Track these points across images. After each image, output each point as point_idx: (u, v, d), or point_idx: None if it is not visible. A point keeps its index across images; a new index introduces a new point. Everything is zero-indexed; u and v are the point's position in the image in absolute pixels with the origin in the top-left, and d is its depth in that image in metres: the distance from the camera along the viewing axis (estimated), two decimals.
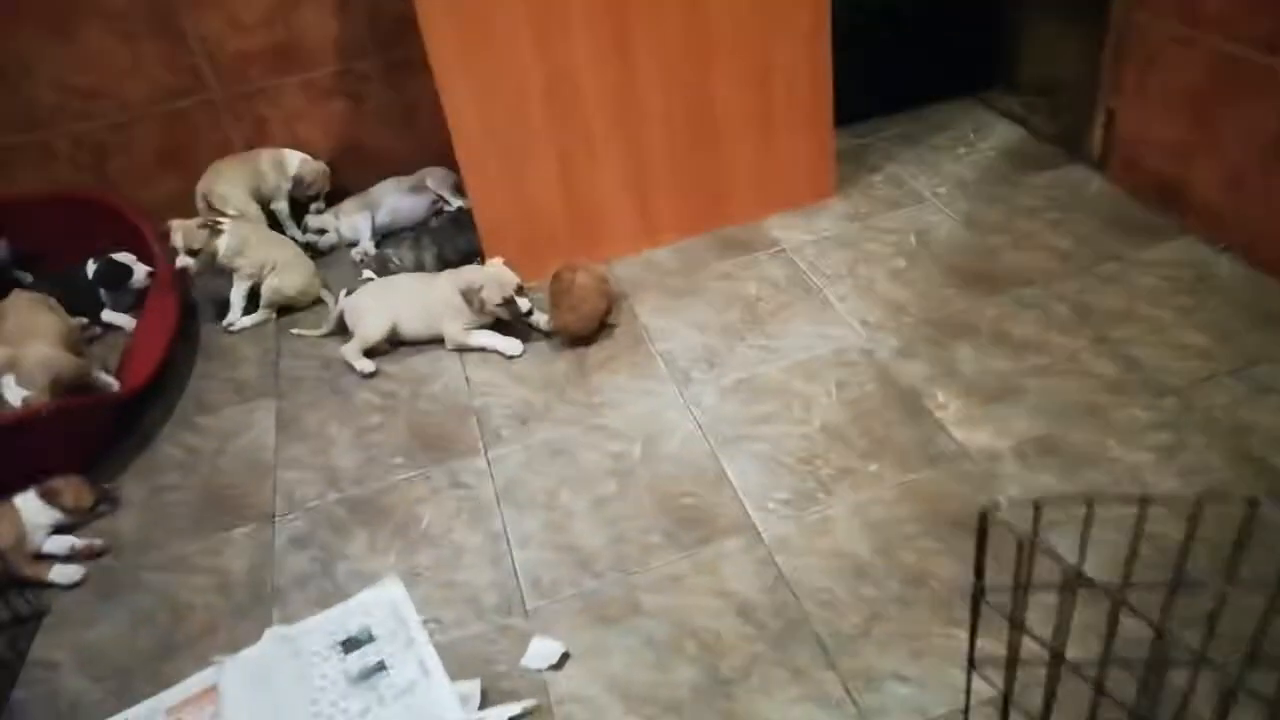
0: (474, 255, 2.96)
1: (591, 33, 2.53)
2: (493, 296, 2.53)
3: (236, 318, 2.86)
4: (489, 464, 2.24)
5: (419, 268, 2.90)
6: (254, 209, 3.07)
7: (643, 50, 2.58)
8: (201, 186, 3.04)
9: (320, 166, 3.19)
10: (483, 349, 2.60)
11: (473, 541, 2.04)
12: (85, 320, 2.88)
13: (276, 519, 2.19)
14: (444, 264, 2.92)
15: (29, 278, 3.04)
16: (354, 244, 3.17)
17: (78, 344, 2.68)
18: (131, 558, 2.15)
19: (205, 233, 2.73)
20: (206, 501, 2.27)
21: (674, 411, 2.29)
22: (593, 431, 2.27)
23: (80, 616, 2.03)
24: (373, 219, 3.18)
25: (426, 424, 2.39)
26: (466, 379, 2.53)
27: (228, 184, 3.04)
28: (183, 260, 2.72)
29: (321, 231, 3.15)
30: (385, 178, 3.27)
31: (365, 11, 3.06)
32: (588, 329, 2.53)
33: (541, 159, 2.69)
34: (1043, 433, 2.04)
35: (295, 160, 3.14)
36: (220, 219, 2.81)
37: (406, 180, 3.25)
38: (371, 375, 2.58)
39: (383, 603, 1.91)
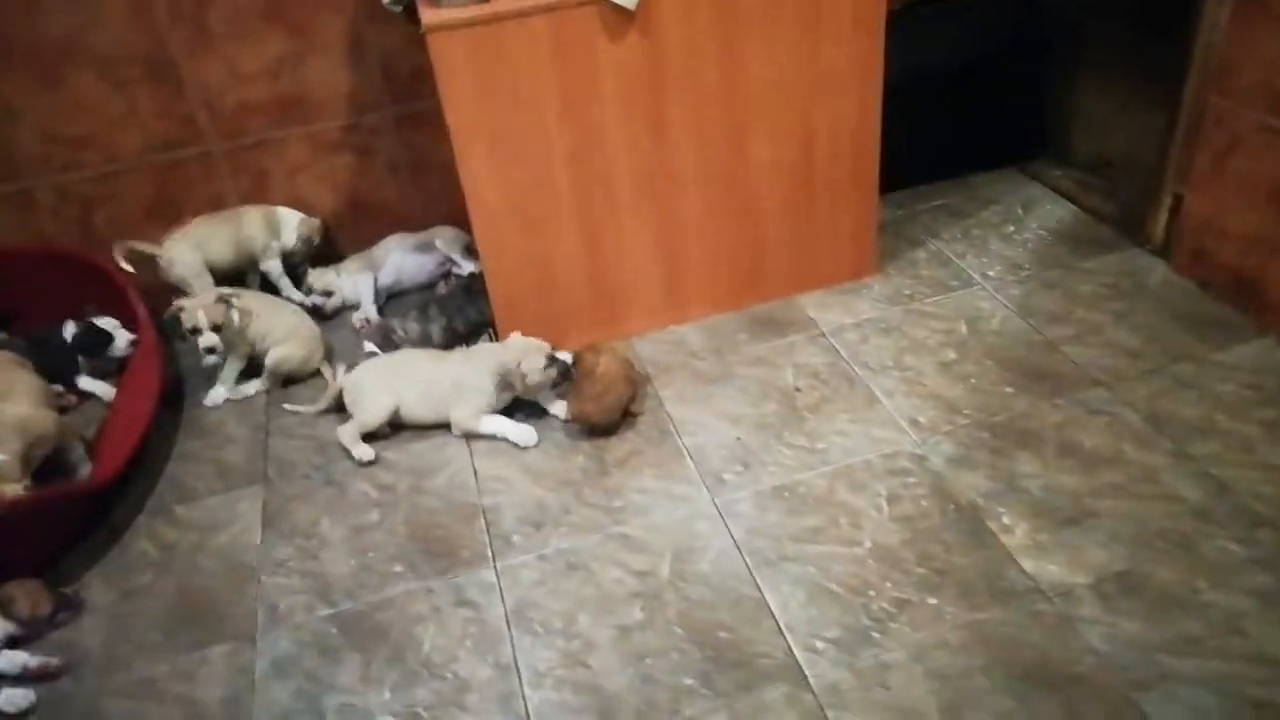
0: (485, 326, 2.74)
1: (623, 95, 2.33)
2: (535, 365, 2.31)
3: (220, 397, 2.63)
4: (498, 577, 2.00)
5: (425, 340, 2.67)
6: (208, 278, 2.77)
7: (677, 114, 2.39)
8: (164, 251, 2.77)
9: (316, 222, 2.97)
10: (494, 437, 2.37)
11: (480, 675, 1.80)
12: (60, 388, 2.65)
13: (259, 637, 1.94)
14: (453, 336, 2.70)
15: (2, 336, 2.82)
16: (355, 307, 2.96)
17: (53, 406, 2.44)
18: (91, 680, 1.90)
19: (223, 307, 2.52)
20: (181, 611, 2.03)
21: (705, 522, 2.05)
22: (614, 542, 2.04)
23: None
24: (375, 280, 2.96)
25: (430, 525, 2.16)
26: (475, 471, 2.29)
27: (184, 248, 2.76)
28: (209, 339, 2.50)
29: (328, 293, 2.93)
30: (390, 234, 3.06)
31: (378, 63, 2.87)
32: (609, 420, 2.31)
33: (563, 226, 2.48)
34: (1124, 567, 1.82)
35: (294, 219, 2.92)
36: (232, 291, 2.59)
37: (413, 238, 3.04)
38: (370, 464, 2.35)
39: None
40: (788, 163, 2.53)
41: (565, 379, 2.35)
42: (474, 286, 2.79)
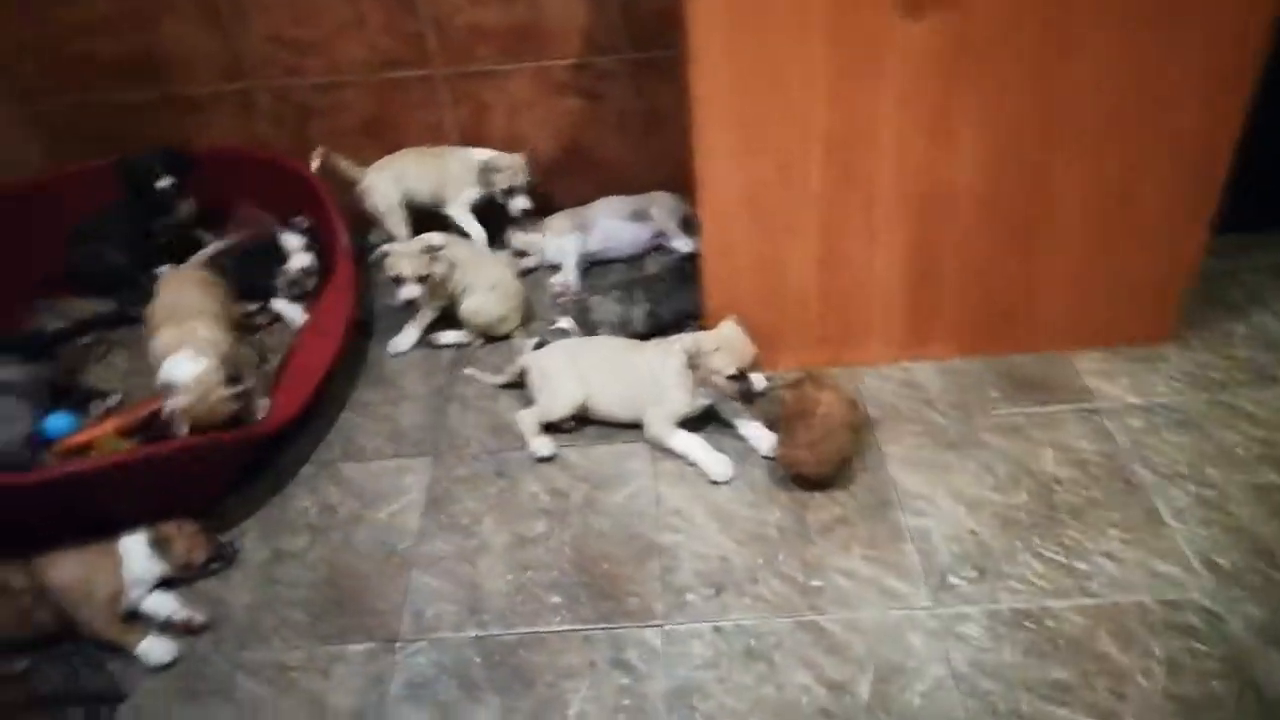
0: (692, 318, 2.43)
1: (905, 84, 1.91)
2: (723, 366, 2.00)
3: (407, 344, 2.48)
4: (664, 642, 1.73)
5: (624, 324, 2.39)
6: (401, 213, 2.69)
7: (967, 113, 1.94)
8: (364, 178, 2.68)
9: (513, 157, 2.67)
10: (684, 458, 2.08)
11: None
12: (254, 306, 2.57)
13: (399, 645, 1.77)
14: (656, 324, 2.41)
15: (210, 237, 2.77)
16: (555, 268, 2.71)
17: (238, 328, 2.36)
18: (231, 649, 1.80)
19: (428, 259, 2.37)
20: (328, 590, 1.89)
21: (921, 637, 1.69)
22: (807, 633, 1.71)
23: (155, 717, 1.70)
24: (583, 243, 2.69)
25: (598, 553, 1.91)
26: (657, 496, 2.02)
27: (385, 179, 2.66)
28: (411, 290, 2.36)
29: (522, 254, 2.70)
30: (606, 193, 2.77)
31: (620, 1, 2.53)
32: (824, 473, 1.96)
33: (805, 228, 2.11)
34: None
35: (483, 155, 2.67)
36: (438, 242, 2.42)
37: (628, 202, 2.74)
38: (547, 460, 2.12)
39: None
40: (1101, 184, 2.02)
41: (746, 401, 2.03)
42: (687, 269, 2.47)
